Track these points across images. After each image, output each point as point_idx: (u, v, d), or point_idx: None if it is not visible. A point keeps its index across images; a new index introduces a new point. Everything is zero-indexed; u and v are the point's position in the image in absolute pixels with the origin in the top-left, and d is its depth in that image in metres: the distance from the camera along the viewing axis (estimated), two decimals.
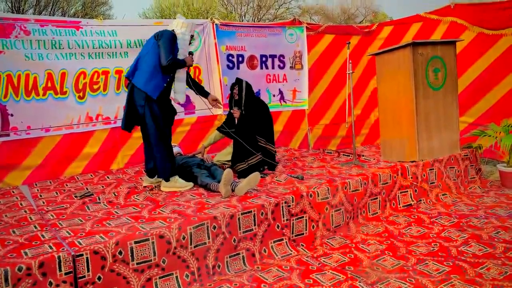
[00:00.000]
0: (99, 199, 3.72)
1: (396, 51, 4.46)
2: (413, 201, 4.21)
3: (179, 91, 4.06)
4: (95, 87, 4.87)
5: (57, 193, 4.03)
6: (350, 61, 4.67)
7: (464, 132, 5.38)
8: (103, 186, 4.20)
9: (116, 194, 3.82)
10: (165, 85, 3.83)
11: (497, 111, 5.45)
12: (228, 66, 5.81)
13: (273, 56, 6.23)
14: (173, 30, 3.90)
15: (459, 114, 5.24)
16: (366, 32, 6.90)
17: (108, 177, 4.58)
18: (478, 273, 2.75)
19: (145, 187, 4.03)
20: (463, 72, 5.74)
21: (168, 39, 3.75)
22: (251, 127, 4.50)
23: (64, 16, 20.87)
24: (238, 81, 4.67)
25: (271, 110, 6.13)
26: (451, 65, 4.63)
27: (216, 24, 5.72)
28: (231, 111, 4.70)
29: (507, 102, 5.36)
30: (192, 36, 4.10)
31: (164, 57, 3.69)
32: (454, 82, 4.68)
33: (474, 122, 5.68)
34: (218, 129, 4.80)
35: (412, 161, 4.40)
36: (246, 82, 4.68)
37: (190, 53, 4.13)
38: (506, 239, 3.26)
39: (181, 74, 4.03)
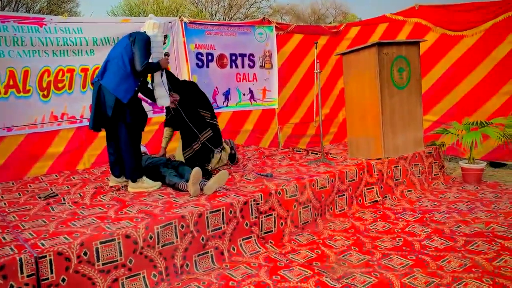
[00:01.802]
0: (64, 199, 3.63)
1: (362, 51, 4.55)
2: (379, 197, 4.30)
3: (161, 95, 4.00)
4: (60, 85, 4.76)
5: (20, 194, 3.91)
6: (318, 61, 4.73)
7: (428, 130, 5.55)
8: (68, 187, 4.11)
9: (82, 195, 3.74)
10: (136, 89, 3.77)
11: (459, 109, 5.64)
12: (197, 64, 5.78)
13: (243, 55, 6.24)
14: (144, 32, 3.85)
15: (424, 113, 5.41)
16: (334, 32, 7.00)
17: (73, 178, 4.48)
18: (439, 266, 2.84)
19: (111, 187, 3.96)
20: (428, 71, 5.91)
21: (144, 43, 3.70)
22: (192, 104, 4.44)
23: (29, 13, 20.24)
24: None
25: (241, 109, 6.22)
26: (415, 65, 4.76)
27: (184, 22, 5.68)
28: (170, 97, 4.26)
29: (469, 101, 5.56)
30: (166, 37, 4.07)
31: (139, 62, 3.64)
32: (418, 82, 4.82)
33: (438, 120, 5.86)
34: (165, 124, 4.77)
35: (378, 159, 4.50)
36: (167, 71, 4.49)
37: (166, 54, 4.07)
38: (466, 232, 3.38)
39: (158, 79, 3.96)
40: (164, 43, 4.10)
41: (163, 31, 3.97)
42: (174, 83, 4.45)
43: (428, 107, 5.87)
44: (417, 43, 4.81)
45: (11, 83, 4.43)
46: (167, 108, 4.61)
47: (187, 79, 4.93)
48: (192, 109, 4.42)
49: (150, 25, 3.88)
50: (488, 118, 5.13)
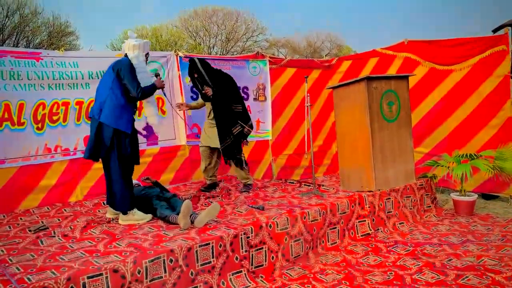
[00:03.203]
0: (54, 233, 3.62)
1: (352, 85, 4.65)
2: (371, 230, 4.30)
3: (151, 114, 4.12)
4: (55, 118, 4.81)
5: (10, 227, 3.89)
6: (308, 95, 4.82)
7: (421, 162, 5.59)
8: (59, 219, 4.10)
9: (72, 228, 3.73)
10: (134, 116, 3.92)
11: (450, 142, 5.70)
12: (192, 97, 5.87)
13: None
14: (126, 55, 3.94)
15: (415, 145, 5.48)
16: (326, 66, 7.15)
17: (65, 210, 4.46)
18: None
19: (105, 219, 3.96)
20: (418, 104, 6.02)
21: (129, 70, 3.78)
22: (226, 97, 4.83)
23: (29, 46, 20.60)
24: (191, 62, 4.88)
25: None
26: (404, 98, 4.85)
27: (180, 57, 5.81)
28: (204, 91, 4.87)
29: (459, 134, 5.63)
30: (147, 55, 4.09)
31: (134, 89, 3.75)
32: (408, 115, 4.90)
33: (430, 152, 5.91)
34: (202, 98, 5.09)
35: (370, 191, 4.52)
36: (198, 59, 4.94)
37: (157, 75, 4.15)
38: (457, 266, 3.37)
39: (150, 98, 4.06)
40: (147, 61, 4.10)
41: (144, 49, 4.00)
42: (209, 75, 4.80)
43: (420, 139, 5.93)
44: (406, 77, 4.92)
45: (6, 116, 4.48)
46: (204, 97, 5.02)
47: (222, 70, 5.23)
48: (225, 105, 4.82)
49: (130, 47, 3.96)
50: (478, 151, 5.19)
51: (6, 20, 20.13)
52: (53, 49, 5.28)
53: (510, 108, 5.18)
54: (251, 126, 5.03)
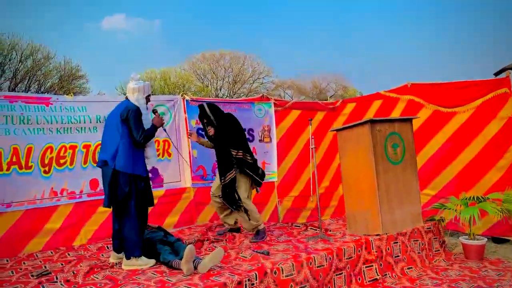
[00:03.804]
0: (57, 278, 3.58)
1: (356, 128, 4.68)
2: (378, 275, 4.20)
3: (151, 155, 4.12)
4: (62, 161, 4.86)
5: (12, 272, 3.85)
6: (313, 137, 4.85)
7: (428, 205, 5.53)
8: (62, 264, 4.06)
9: (75, 273, 3.68)
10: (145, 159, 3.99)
11: (457, 184, 5.65)
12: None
13: None
14: (126, 98, 4.01)
15: (422, 187, 5.43)
16: (331, 108, 7.23)
17: (69, 254, 4.43)
18: None
19: (108, 264, 3.91)
20: (423, 146, 6.02)
21: (135, 116, 3.83)
22: (224, 141, 4.77)
23: (40, 89, 21.12)
24: (200, 107, 4.93)
25: None
26: (409, 141, 4.86)
27: (186, 100, 5.92)
28: (207, 130, 4.92)
29: (466, 176, 5.59)
30: (149, 96, 4.11)
31: (136, 135, 3.80)
32: (413, 157, 4.89)
33: (437, 194, 5.85)
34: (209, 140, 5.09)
35: (377, 235, 4.45)
36: (207, 103, 5.00)
37: (154, 111, 4.22)
38: None
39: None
40: (148, 101, 4.10)
41: (144, 92, 4.03)
42: (216, 117, 4.82)
43: (426, 182, 5.89)
44: (410, 120, 4.95)
45: (14, 159, 4.54)
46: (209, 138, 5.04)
47: (230, 113, 5.21)
48: (223, 147, 4.77)
49: (130, 90, 4.04)
50: (485, 193, 5.13)
51: (20, 64, 20.78)
52: (64, 92, 5.45)
53: None
54: (259, 175, 4.89)
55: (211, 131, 4.86)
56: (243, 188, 4.76)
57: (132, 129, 3.81)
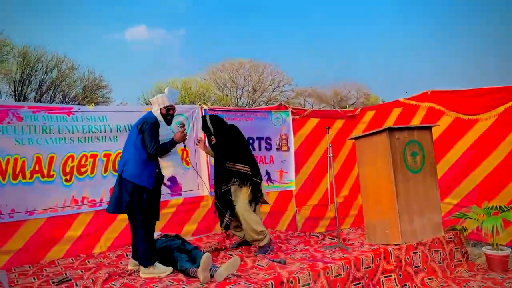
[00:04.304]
0: (76, 285, 3.64)
1: (374, 136, 4.64)
2: (397, 285, 4.12)
3: (176, 163, 4.05)
4: (83, 170, 4.97)
5: (34, 279, 3.94)
6: (331, 145, 4.82)
7: (450, 214, 5.40)
8: (82, 271, 4.13)
9: (94, 280, 3.74)
10: (157, 170, 3.95)
11: (480, 192, 5.52)
12: None
13: (260, 138, 6.43)
14: (150, 112, 4.04)
15: (444, 196, 5.32)
16: (349, 116, 7.19)
17: (88, 262, 4.50)
18: None
19: (126, 271, 3.96)
20: (444, 154, 5.90)
21: (150, 127, 3.85)
22: (222, 153, 4.78)
23: (65, 99, 21.65)
24: (203, 119, 5.00)
25: None
26: (429, 149, 4.78)
27: (204, 109, 5.98)
28: (211, 140, 4.93)
29: (488, 184, 5.45)
30: (166, 108, 4.01)
31: (149, 145, 3.81)
32: (433, 165, 4.81)
33: (459, 203, 5.72)
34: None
35: (396, 244, 4.38)
36: (210, 116, 5.04)
37: (181, 125, 4.13)
38: None
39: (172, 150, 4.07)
40: (168, 113, 4.04)
41: (159, 104, 3.99)
42: (216, 128, 4.83)
43: (448, 190, 5.77)
44: (429, 128, 4.87)
45: (37, 168, 4.66)
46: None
47: (234, 125, 5.14)
48: (220, 159, 4.76)
49: (153, 102, 4.08)
50: (509, 202, 4.99)
51: (45, 75, 21.37)
52: (87, 102, 5.56)
53: None
54: (259, 191, 4.79)
55: (213, 140, 4.87)
56: (241, 199, 4.66)
57: (145, 139, 3.83)
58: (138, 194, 3.82)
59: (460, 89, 5.84)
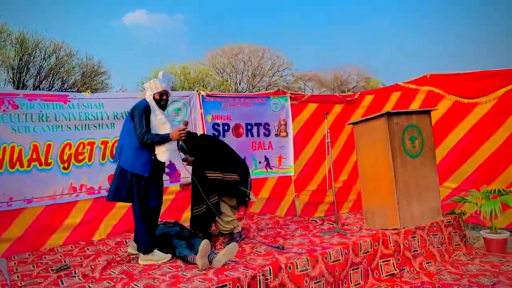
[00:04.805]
0: (75, 272, 3.65)
1: (372, 121, 4.60)
2: (396, 270, 4.14)
3: (161, 150, 3.88)
4: (80, 157, 4.95)
5: (34, 267, 3.95)
6: (329, 131, 4.79)
7: (448, 198, 5.42)
8: (81, 258, 4.14)
9: (93, 267, 3.75)
10: (153, 157, 3.87)
11: (479, 176, 5.51)
12: (213, 134, 5.95)
13: (258, 124, 6.40)
14: (144, 99, 3.97)
15: (443, 180, 5.31)
16: (348, 100, 7.14)
17: (88, 249, 4.51)
18: None
19: (125, 259, 3.98)
20: (444, 138, 5.88)
21: (139, 113, 3.78)
22: (201, 166, 4.41)
23: (63, 86, 21.54)
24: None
25: (256, 177, 6.24)
26: (427, 133, 4.75)
27: (202, 95, 5.93)
28: (184, 164, 4.63)
29: (487, 168, 5.44)
30: (159, 94, 3.91)
31: (137, 133, 3.75)
32: (432, 149, 4.79)
33: (458, 187, 5.72)
34: None
35: (394, 229, 4.38)
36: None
37: (185, 124, 4.01)
38: None
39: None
40: (161, 99, 3.93)
41: (151, 89, 3.90)
42: (188, 142, 4.41)
43: (447, 174, 5.76)
44: (428, 112, 4.84)
45: (34, 156, 4.65)
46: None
47: (207, 134, 4.91)
48: (199, 172, 4.38)
49: (146, 88, 3.98)
50: (508, 186, 4.98)
51: (43, 62, 21.20)
52: (86, 88, 5.51)
53: None
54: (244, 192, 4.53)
55: (189, 160, 4.58)
56: (226, 209, 4.47)
57: (135, 126, 3.79)
58: (136, 181, 3.81)
59: (460, 72, 5.78)
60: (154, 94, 3.93)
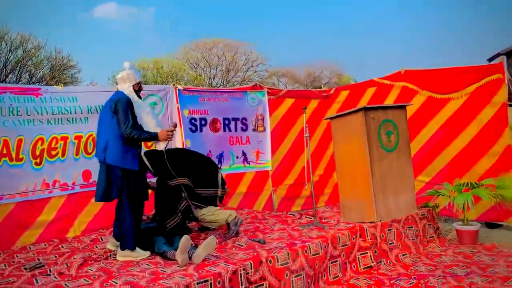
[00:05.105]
0: (50, 271, 3.55)
1: (349, 116, 4.66)
2: (373, 262, 4.21)
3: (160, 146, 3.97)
4: (53, 153, 4.80)
5: (5, 266, 3.81)
6: (307, 125, 4.82)
7: (422, 191, 5.54)
8: (56, 256, 4.03)
9: (69, 265, 3.66)
10: (139, 150, 3.87)
11: (451, 170, 5.66)
12: (190, 129, 5.89)
13: (235, 119, 6.38)
14: (117, 89, 3.93)
15: (417, 173, 5.42)
16: (324, 96, 7.19)
17: (62, 246, 4.40)
18: None
19: (102, 256, 3.90)
20: (417, 133, 6.00)
21: (123, 107, 3.72)
22: (163, 178, 4.27)
23: (32, 79, 20.86)
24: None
25: (234, 171, 6.23)
26: (403, 128, 4.85)
27: (179, 90, 5.85)
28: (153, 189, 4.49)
29: (459, 162, 5.59)
30: (138, 85, 3.94)
31: (123, 127, 3.69)
32: (407, 144, 4.89)
33: (431, 181, 5.86)
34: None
35: (371, 222, 4.46)
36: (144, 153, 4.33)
37: (174, 125, 4.04)
38: None
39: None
40: (140, 90, 3.94)
41: (130, 80, 3.88)
42: (152, 160, 4.24)
43: (420, 168, 5.89)
44: (403, 107, 4.93)
45: (5, 151, 4.47)
46: None
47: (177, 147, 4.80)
48: (163, 184, 4.25)
49: (119, 80, 3.94)
50: (479, 179, 5.14)
51: (10, 54, 20.45)
52: (55, 82, 5.34)
53: (509, 136, 5.17)
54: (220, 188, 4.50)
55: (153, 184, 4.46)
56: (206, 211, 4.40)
57: (120, 120, 3.71)
58: (126, 177, 3.74)
59: (434, 68, 5.91)
60: (133, 85, 3.90)
